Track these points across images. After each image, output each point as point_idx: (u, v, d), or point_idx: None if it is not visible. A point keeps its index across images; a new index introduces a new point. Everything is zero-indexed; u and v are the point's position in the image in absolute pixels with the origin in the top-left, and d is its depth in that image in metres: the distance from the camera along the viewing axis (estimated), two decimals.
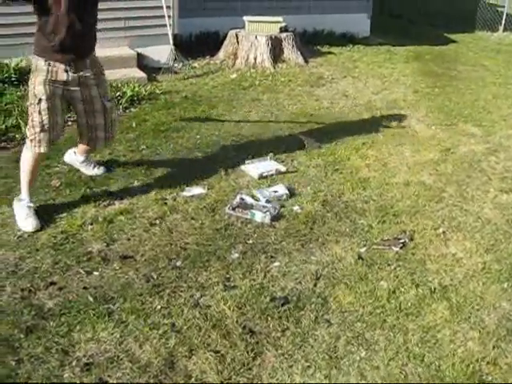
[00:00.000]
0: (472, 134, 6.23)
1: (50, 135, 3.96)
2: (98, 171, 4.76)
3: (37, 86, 3.88)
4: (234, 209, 4.25)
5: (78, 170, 4.73)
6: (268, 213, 4.16)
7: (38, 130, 3.92)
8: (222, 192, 4.57)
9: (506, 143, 6.03)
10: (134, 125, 5.85)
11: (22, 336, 2.98)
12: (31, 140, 3.96)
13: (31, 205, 4.05)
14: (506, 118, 6.87)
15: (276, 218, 4.21)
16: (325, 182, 4.87)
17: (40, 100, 3.87)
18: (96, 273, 3.53)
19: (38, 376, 2.75)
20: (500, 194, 4.85)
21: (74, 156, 4.72)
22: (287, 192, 4.53)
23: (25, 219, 3.96)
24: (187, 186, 4.61)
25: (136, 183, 4.64)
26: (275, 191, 4.53)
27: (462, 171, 5.25)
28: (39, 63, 3.85)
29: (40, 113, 3.89)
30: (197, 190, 4.54)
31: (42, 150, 4.00)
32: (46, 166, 4.78)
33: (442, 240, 4.09)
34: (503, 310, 3.40)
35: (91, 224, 4.02)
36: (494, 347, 3.11)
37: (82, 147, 4.59)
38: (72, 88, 3.99)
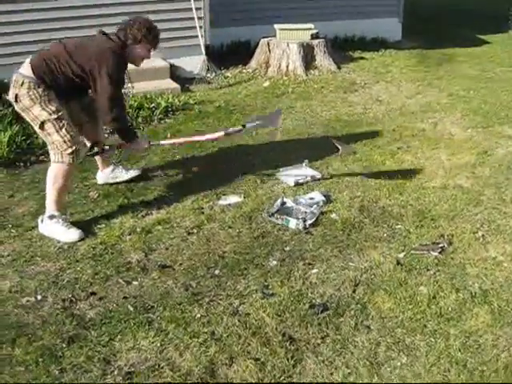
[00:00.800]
0: (509, 136, 6.14)
1: (78, 144, 4.09)
2: (133, 172, 4.87)
3: (50, 105, 3.96)
4: (272, 214, 4.26)
5: (117, 183, 4.79)
6: (301, 220, 4.16)
7: (68, 142, 3.99)
8: (258, 200, 4.58)
9: None
10: (168, 135, 5.90)
11: (64, 345, 3.03)
12: (63, 154, 4.01)
13: (67, 217, 4.12)
14: None
15: (312, 224, 4.20)
16: (361, 187, 4.84)
17: (59, 115, 3.97)
18: (135, 282, 3.56)
19: None
20: None
21: (103, 174, 4.81)
22: (323, 198, 4.53)
23: (67, 231, 4.02)
24: (223, 194, 4.64)
25: (172, 193, 4.68)
26: (311, 198, 4.53)
27: (500, 174, 5.18)
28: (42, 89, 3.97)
29: (64, 126, 3.97)
30: (233, 199, 4.57)
31: (78, 159, 4.12)
32: (84, 178, 4.86)
33: (482, 243, 4.04)
34: None
35: (129, 234, 4.07)
36: None
37: (100, 161, 4.72)
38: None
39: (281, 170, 5.03)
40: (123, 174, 4.80)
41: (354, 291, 3.50)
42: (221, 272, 3.65)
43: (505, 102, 7.37)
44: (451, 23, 13.06)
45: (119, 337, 3.09)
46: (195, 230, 4.13)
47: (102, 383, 2.81)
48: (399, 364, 2.95)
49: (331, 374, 2.88)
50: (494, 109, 7.09)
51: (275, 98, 7.43)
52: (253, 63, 8.81)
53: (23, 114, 4.09)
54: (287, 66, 8.49)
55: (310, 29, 8.78)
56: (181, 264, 3.74)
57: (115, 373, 2.87)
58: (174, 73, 7.97)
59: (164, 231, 4.12)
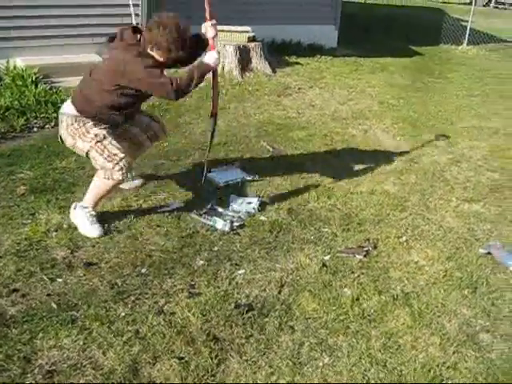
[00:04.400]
0: (435, 145, 6.34)
1: (126, 160, 3.96)
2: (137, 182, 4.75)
3: (88, 134, 3.95)
4: (200, 214, 4.26)
5: (43, 177, 4.70)
6: (228, 221, 4.17)
7: (114, 161, 3.91)
8: (187, 199, 4.57)
9: (468, 154, 6.15)
10: None
11: None
12: (113, 172, 3.92)
13: (94, 213, 4.06)
14: (469, 130, 7.01)
15: (240, 226, 4.23)
16: (290, 190, 4.90)
17: (98, 139, 3.93)
18: (60, 280, 3.49)
19: None
20: (462, 203, 4.94)
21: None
22: (259, 206, 4.51)
23: (90, 226, 4.00)
24: (153, 193, 4.61)
25: None
26: (249, 202, 4.54)
27: (426, 181, 5.34)
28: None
29: (106, 147, 3.93)
30: (175, 205, 4.49)
31: (127, 174, 4.13)
32: (11, 172, 4.74)
33: (405, 248, 4.15)
34: (463, 317, 3.47)
35: (56, 231, 3.98)
36: (454, 352, 3.17)
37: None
38: None
39: (212, 170, 5.03)
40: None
41: (279, 292, 3.54)
42: (147, 271, 3.63)
43: (433, 112, 7.61)
44: (386, 34, 13.40)
45: (41, 335, 3.02)
46: (123, 228, 4.08)
47: (21, 382, 2.74)
48: (321, 364, 3.00)
49: (254, 373, 2.90)
50: (423, 118, 7.32)
51: (209, 99, 7.40)
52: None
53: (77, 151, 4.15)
54: (223, 68, 8.50)
55: (247, 31, 8.84)
56: (107, 262, 3.69)
57: (35, 371, 2.80)
58: None
59: None
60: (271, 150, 5.60)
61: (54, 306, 3.25)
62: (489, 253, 4.12)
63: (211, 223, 4.19)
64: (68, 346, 2.97)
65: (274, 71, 8.88)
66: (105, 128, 3.98)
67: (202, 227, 4.17)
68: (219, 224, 4.16)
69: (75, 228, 4.02)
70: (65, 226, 4.04)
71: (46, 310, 3.21)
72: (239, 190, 4.83)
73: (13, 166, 4.82)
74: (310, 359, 3.03)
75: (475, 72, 10.55)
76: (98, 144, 3.92)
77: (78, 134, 3.95)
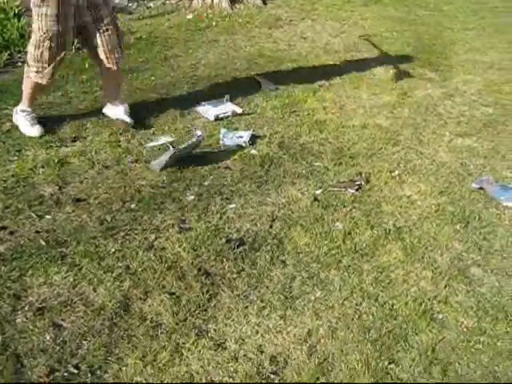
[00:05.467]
0: (429, 79, 6.23)
1: None
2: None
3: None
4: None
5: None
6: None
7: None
8: (177, 134, 4.50)
9: (462, 88, 6.04)
10: (86, 66, 5.66)
11: None
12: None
13: (34, 114, 4.30)
14: (463, 64, 6.87)
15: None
16: (281, 124, 4.82)
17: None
18: (48, 216, 3.45)
19: None
20: (455, 137, 4.88)
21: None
22: (249, 140, 4.43)
23: (30, 127, 4.25)
24: (141, 127, 4.52)
25: (89, 125, 4.51)
26: (240, 136, 4.45)
27: (419, 115, 5.26)
28: None
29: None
30: (163, 139, 4.35)
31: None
32: None
33: (398, 182, 4.11)
34: (455, 251, 3.45)
35: (43, 167, 3.92)
36: (445, 286, 3.16)
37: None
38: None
39: (201, 103, 4.94)
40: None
41: (270, 226, 3.51)
42: (137, 206, 3.58)
43: (427, 46, 7.45)
44: None
45: (30, 272, 2.99)
46: (111, 164, 4.01)
47: (11, 319, 2.72)
48: (313, 298, 2.99)
49: (246, 307, 2.89)
50: (416, 51, 7.17)
51: (199, 31, 7.26)
52: None
53: None
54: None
55: None
56: (96, 198, 3.64)
57: (26, 309, 2.78)
58: None
59: (79, 164, 3.99)
60: (262, 82, 5.48)
61: (43, 242, 3.21)
62: (481, 188, 4.08)
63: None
64: (58, 282, 2.95)
65: (264, 3, 8.67)
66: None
67: (193, 161, 4.10)
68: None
69: (63, 164, 3.96)
70: (52, 162, 3.97)
71: (34, 247, 3.18)
72: (230, 123, 4.74)
73: None
74: (302, 293, 3.02)
75: (471, 5, 10.30)
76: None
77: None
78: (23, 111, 4.35)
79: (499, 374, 2.66)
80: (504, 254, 3.45)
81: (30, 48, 4.12)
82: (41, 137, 4.27)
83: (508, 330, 2.90)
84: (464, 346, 2.80)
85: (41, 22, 3.97)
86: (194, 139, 4.12)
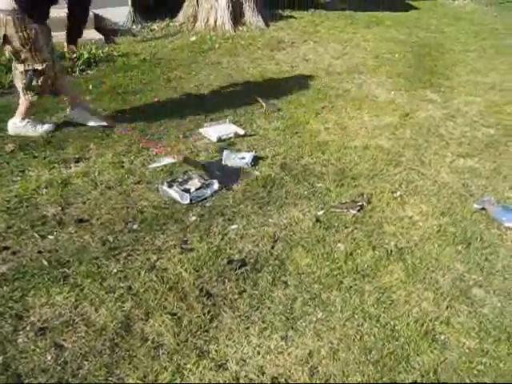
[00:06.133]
0: (430, 100, 6.26)
1: None
2: (46, 127, 4.75)
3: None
4: (171, 186, 4.02)
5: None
6: (187, 195, 3.90)
7: None
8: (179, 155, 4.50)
9: (463, 109, 6.07)
10: (90, 87, 5.73)
11: None
12: None
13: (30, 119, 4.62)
14: (464, 85, 6.92)
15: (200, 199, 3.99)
16: (284, 145, 4.85)
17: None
18: (51, 237, 3.46)
19: None
20: (457, 158, 4.89)
21: (19, 123, 4.70)
22: (252, 162, 4.45)
23: (41, 124, 4.61)
24: (144, 148, 4.55)
25: (92, 146, 4.54)
26: (242, 158, 4.47)
27: (420, 136, 5.28)
28: None
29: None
30: (167, 160, 4.39)
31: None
32: (0, 129, 4.66)
33: (399, 203, 4.12)
34: (457, 272, 3.45)
35: (46, 188, 3.94)
36: (447, 307, 3.16)
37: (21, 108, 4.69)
38: None
39: (204, 125, 4.97)
40: (36, 130, 4.70)
41: (272, 247, 3.51)
42: (139, 227, 3.59)
43: (428, 67, 7.51)
44: None
45: (32, 292, 3.01)
46: (114, 184, 4.03)
47: (13, 339, 2.72)
48: (315, 319, 2.99)
49: (247, 328, 2.89)
50: (418, 73, 7.22)
51: (202, 53, 7.33)
52: (180, 17, 8.65)
53: None
54: (215, 21, 8.38)
55: None
56: (98, 218, 3.65)
57: (27, 329, 2.79)
58: (99, 23, 7.73)
59: (82, 185, 4.01)
60: (264, 104, 5.51)
61: (45, 263, 3.22)
62: (483, 208, 4.09)
63: (174, 196, 3.96)
64: (60, 302, 2.96)
65: (267, 25, 8.76)
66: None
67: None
68: (177, 197, 3.93)
69: (66, 184, 3.98)
70: (55, 182, 3.99)
71: (37, 267, 3.19)
72: (232, 145, 4.76)
73: (1, 122, 4.74)
74: (303, 314, 3.02)
75: (472, 27, 10.40)
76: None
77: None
78: (23, 119, 4.62)
79: None
80: (506, 275, 3.44)
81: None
82: (44, 157, 4.30)
83: (510, 351, 2.89)
84: (466, 368, 2.80)
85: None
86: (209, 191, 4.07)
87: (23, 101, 4.62)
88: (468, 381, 2.73)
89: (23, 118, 4.64)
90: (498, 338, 2.96)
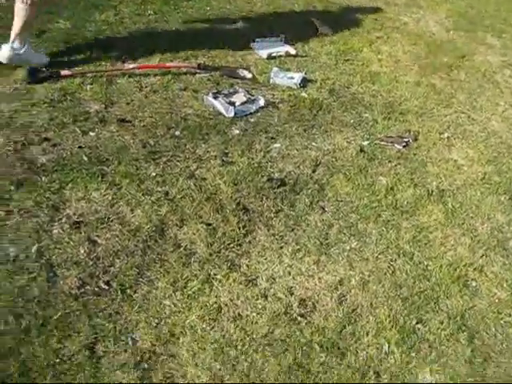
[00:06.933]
0: (490, 45, 6.01)
1: None
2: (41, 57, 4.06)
3: None
4: (215, 97, 3.93)
5: (81, 29, 4.51)
6: (232, 108, 3.83)
7: None
8: (227, 64, 4.42)
9: None
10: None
11: (12, 188, 2.91)
12: None
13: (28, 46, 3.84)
14: None
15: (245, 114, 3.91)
16: (334, 70, 4.71)
17: None
18: (92, 133, 3.43)
19: (26, 228, 2.71)
20: (510, 108, 4.73)
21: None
22: (301, 82, 4.32)
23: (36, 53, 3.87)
24: (192, 56, 4.44)
25: (140, 48, 4.43)
26: (291, 77, 4.34)
27: (475, 80, 5.10)
28: None
29: None
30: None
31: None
32: (48, 20, 4.55)
33: (446, 145, 4.02)
34: (497, 222, 3.39)
35: (91, 84, 3.87)
36: (482, 255, 3.12)
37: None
38: None
39: (256, 40, 4.83)
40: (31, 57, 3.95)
41: (313, 171, 3.46)
42: (181, 134, 3.54)
43: (491, 11, 7.18)
44: None
45: (70, 185, 2.99)
46: (160, 89, 3.96)
47: (48, 229, 2.73)
48: (348, 248, 2.97)
49: (281, 247, 2.88)
50: (480, 15, 6.91)
51: None
52: None
53: None
54: None
55: None
56: (141, 120, 3.60)
57: (63, 221, 2.79)
58: None
59: (127, 85, 3.93)
60: (319, 27, 5.34)
61: (85, 158, 3.20)
62: None
63: (216, 108, 3.88)
64: (96, 199, 2.95)
65: None
66: None
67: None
68: (222, 109, 3.85)
69: (111, 83, 3.91)
70: (100, 80, 3.92)
71: (76, 161, 3.17)
72: (282, 63, 4.63)
73: (51, 14, 4.64)
74: (338, 241, 2.99)
75: None
76: None
77: None
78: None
79: None
80: None
81: None
82: (90, 54, 4.20)
83: None
84: (494, 317, 2.78)
85: None
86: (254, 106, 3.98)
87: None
88: (494, 330, 2.70)
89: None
90: None
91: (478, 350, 2.60)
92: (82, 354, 2.24)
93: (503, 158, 4.00)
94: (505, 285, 2.96)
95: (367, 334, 2.54)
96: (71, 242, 2.68)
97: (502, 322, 2.76)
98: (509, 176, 3.81)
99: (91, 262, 2.61)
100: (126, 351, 2.28)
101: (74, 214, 2.84)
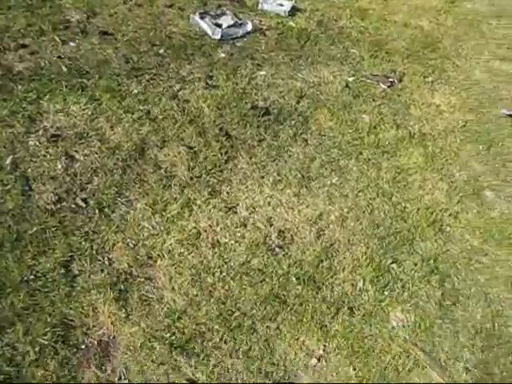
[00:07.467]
0: None
1: None
2: None
3: None
4: (202, 17, 3.86)
5: None
6: (219, 30, 3.77)
7: None
8: None
9: (510, 9, 5.76)
10: None
11: None
12: None
13: None
14: None
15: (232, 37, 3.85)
16: (324, 1, 4.61)
17: None
18: (72, 44, 3.30)
19: (0, 138, 2.62)
20: (493, 59, 4.69)
21: None
22: (290, 10, 4.23)
23: None
24: None
25: None
26: (281, 4, 4.25)
27: (462, 27, 5.04)
28: None
29: None
30: None
31: None
32: None
33: (430, 89, 3.99)
34: (474, 171, 3.39)
35: None
36: (458, 202, 3.13)
37: None
38: None
39: None
40: None
41: (298, 102, 3.41)
42: (165, 52, 3.44)
43: None
44: None
45: (48, 96, 2.89)
46: (144, 3, 3.82)
47: (24, 141, 2.65)
48: (329, 183, 2.95)
49: (262, 177, 2.84)
50: None
51: None
52: None
53: None
54: None
55: None
56: (124, 35, 3.48)
57: (40, 133, 2.71)
58: None
59: None
60: None
61: (64, 69, 3.08)
62: (510, 115, 3.97)
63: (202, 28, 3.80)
64: (75, 113, 2.85)
65: None
66: None
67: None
68: (209, 31, 3.78)
69: None
70: None
71: (55, 72, 3.05)
72: None
73: None
74: (319, 176, 2.97)
75: None
76: None
77: None
78: None
79: (491, 296, 2.67)
80: None
81: None
82: None
83: (509, 257, 2.90)
84: (465, 263, 2.80)
85: None
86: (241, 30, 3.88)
87: None
88: (464, 275, 2.73)
89: None
90: (500, 243, 2.96)
91: (448, 293, 2.62)
92: (57, 271, 2.19)
93: (484, 109, 3.98)
94: (477, 232, 2.98)
95: (343, 270, 2.54)
96: (48, 156, 2.60)
97: (472, 268, 2.79)
98: (488, 126, 3.81)
99: (68, 178, 2.54)
100: (102, 271, 2.24)
101: (52, 127, 2.75)
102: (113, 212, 2.46)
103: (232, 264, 2.41)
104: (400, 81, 3.94)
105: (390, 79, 3.88)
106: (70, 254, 2.27)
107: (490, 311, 2.60)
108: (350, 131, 3.32)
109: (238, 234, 2.53)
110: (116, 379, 1.96)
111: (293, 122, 3.24)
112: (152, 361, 2.02)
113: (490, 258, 2.85)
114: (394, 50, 4.28)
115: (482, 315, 2.58)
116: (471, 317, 2.57)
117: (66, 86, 2.96)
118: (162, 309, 2.18)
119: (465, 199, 3.16)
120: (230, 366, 2.08)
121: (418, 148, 3.38)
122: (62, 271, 2.20)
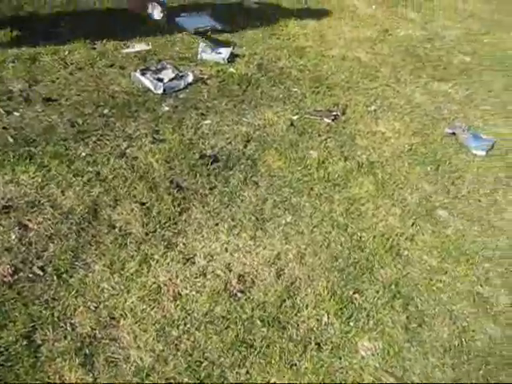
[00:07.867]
0: (411, 20, 6.14)
1: None
2: None
3: None
4: (143, 73, 3.88)
5: None
6: (161, 84, 3.79)
7: None
8: (154, 43, 4.33)
9: (442, 33, 5.97)
10: None
11: None
12: None
13: None
14: (446, 9, 6.77)
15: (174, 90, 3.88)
16: (261, 45, 4.71)
17: None
18: (16, 113, 3.30)
19: None
20: (432, 81, 4.85)
21: None
22: (228, 57, 4.31)
23: None
24: (119, 36, 4.32)
25: (63, 24, 4.29)
26: (219, 53, 4.33)
27: (398, 54, 5.21)
28: None
29: None
30: (140, 47, 4.23)
31: None
32: None
33: (373, 118, 4.10)
34: (424, 192, 3.48)
35: (13, 62, 3.72)
36: (412, 224, 3.20)
37: None
38: None
39: (181, 15, 4.75)
40: None
41: (245, 146, 3.46)
42: (110, 112, 3.46)
43: None
44: None
45: None
46: (85, 66, 3.85)
47: None
48: (284, 222, 2.99)
49: (216, 224, 2.86)
50: None
51: None
52: None
53: None
54: None
55: None
56: (68, 99, 3.50)
57: None
58: None
59: (51, 63, 3.81)
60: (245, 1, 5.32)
61: (11, 139, 3.09)
62: (453, 133, 4.10)
63: (147, 84, 3.82)
64: (25, 182, 2.84)
65: None
66: None
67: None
68: (151, 87, 3.79)
69: (34, 60, 3.77)
70: (23, 57, 3.77)
71: (1, 143, 3.05)
72: (209, 39, 4.58)
73: None
74: (273, 216, 3.01)
75: None
76: None
77: None
78: None
79: (456, 313, 2.73)
80: (470, 200, 3.51)
81: None
82: (11, 31, 4.04)
83: (468, 272, 2.97)
84: (426, 284, 2.86)
85: None
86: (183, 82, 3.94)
87: None
88: (426, 296, 2.78)
89: None
90: (457, 260, 3.03)
91: (412, 316, 2.67)
92: (19, 343, 2.16)
93: (428, 130, 4.11)
94: (435, 252, 3.05)
95: (307, 307, 2.57)
96: (1, 228, 2.58)
97: (433, 287, 2.85)
98: (434, 147, 3.92)
99: (23, 248, 2.52)
100: (65, 337, 2.22)
101: (3, 199, 2.73)
102: (71, 277, 2.45)
103: (195, 315, 2.41)
104: (343, 113, 4.03)
105: (334, 113, 3.98)
106: (31, 324, 2.23)
107: (456, 328, 2.66)
108: (299, 168, 3.38)
109: (199, 284, 2.54)
110: None
111: (242, 167, 3.28)
112: None
113: (450, 276, 2.92)
114: (334, 83, 4.39)
115: (448, 333, 2.62)
116: (438, 336, 2.61)
117: (13, 157, 2.96)
118: (130, 368, 2.16)
119: (419, 221, 3.24)
120: None
121: (367, 177, 3.46)
122: (25, 343, 2.16)
